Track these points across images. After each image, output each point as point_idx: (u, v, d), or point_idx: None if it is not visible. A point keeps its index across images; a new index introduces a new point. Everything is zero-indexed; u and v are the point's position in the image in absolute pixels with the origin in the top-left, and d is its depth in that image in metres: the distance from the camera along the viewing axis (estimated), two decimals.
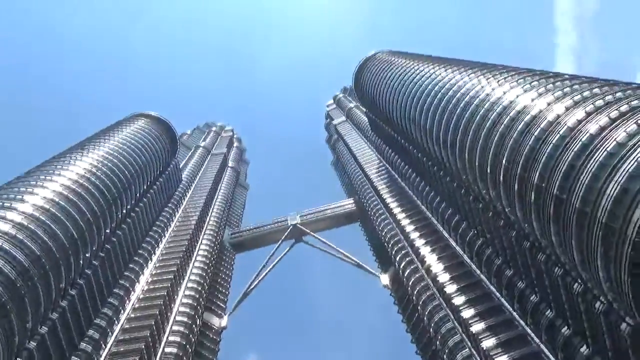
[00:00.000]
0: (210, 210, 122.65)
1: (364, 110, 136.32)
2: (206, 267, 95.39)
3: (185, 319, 77.77)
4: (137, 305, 76.22)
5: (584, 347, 42.18)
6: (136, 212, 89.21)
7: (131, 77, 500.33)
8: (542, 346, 48.30)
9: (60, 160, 76.60)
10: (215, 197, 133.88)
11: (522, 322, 52.39)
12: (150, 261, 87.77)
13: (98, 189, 73.00)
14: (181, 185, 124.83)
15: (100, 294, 68.62)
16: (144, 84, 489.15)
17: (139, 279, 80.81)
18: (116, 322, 69.91)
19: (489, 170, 51.07)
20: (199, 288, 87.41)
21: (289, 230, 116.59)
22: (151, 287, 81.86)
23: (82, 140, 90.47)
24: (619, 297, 33.47)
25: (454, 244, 71.82)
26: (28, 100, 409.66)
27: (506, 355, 50.06)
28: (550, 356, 46.67)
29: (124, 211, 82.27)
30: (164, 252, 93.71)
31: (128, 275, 78.59)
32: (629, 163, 33.53)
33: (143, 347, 65.34)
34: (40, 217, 58.82)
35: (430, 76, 75.77)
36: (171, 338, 72.98)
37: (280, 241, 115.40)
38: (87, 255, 65.64)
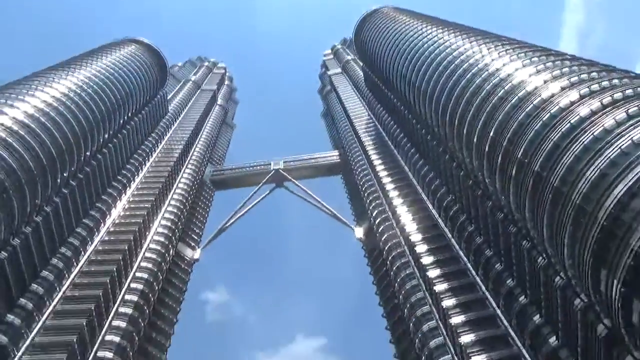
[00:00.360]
0: (194, 145, 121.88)
1: (361, 64, 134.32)
2: (184, 200, 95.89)
3: (158, 247, 78.80)
4: (112, 229, 76.75)
5: (537, 316, 44.59)
6: (119, 138, 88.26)
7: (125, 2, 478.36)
8: (498, 311, 50.70)
9: (43, 77, 74.47)
10: (201, 132, 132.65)
11: (483, 287, 54.63)
12: (128, 188, 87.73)
13: (81, 109, 71.64)
14: (167, 117, 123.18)
15: (75, 214, 68.73)
16: (138, 11, 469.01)
17: (115, 204, 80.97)
18: (90, 243, 70.52)
19: (475, 140, 51.63)
20: (175, 219, 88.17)
21: (270, 175, 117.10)
22: (128, 213, 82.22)
23: (68, 59, 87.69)
24: (578, 275, 35.10)
25: (430, 206, 73.32)
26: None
27: (463, 315, 52.37)
28: (505, 321, 49.10)
29: (107, 136, 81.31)
30: (143, 180, 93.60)
31: (105, 200, 78.59)
32: (612, 149, 34.28)
33: (114, 269, 66.24)
34: (19, 131, 57.86)
35: (432, 38, 74.72)
36: (143, 264, 74.10)
37: (261, 184, 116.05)
38: (64, 174, 65.20)
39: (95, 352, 56.60)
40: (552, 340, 42.01)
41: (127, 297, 66.99)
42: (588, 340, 36.53)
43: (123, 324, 62.05)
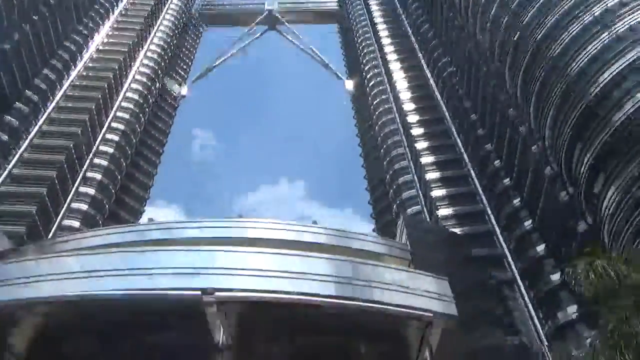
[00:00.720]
0: None
1: None
2: (171, 33, 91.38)
3: (144, 79, 77.46)
4: (95, 56, 74.14)
5: (507, 180, 47.72)
6: None
7: None
8: (472, 171, 53.70)
9: None
10: None
11: (462, 148, 56.82)
12: (112, 13, 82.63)
13: None
14: None
15: (56, 35, 65.50)
16: None
17: (98, 30, 77.07)
18: (73, 67, 68.73)
19: (480, 9, 49.67)
20: (161, 51, 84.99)
21: (264, 15, 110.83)
22: (111, 40, 78.65)
23: None
24: (555, 146, 36.99)
25: (424, 65, 72.18)
26: None
27: (438, 172, 55.44)
28: (476, 181, 52.30)
29: None
30: (128, 7, 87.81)
31: (87, 23, 74.42)
32: (609, 33, 34.01)
33: (99, 96, 65.79)
34: None
35: None
36: (128, 94, 73.46)
37: (253, 25, 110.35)
38: None
39: (85, 172, 59.27)
40: (516, 201, 45.56)
41: (113, 124, 67.71)
42: (549, 205, 39.78)
43: (110, 150, 63.98)
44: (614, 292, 13.75)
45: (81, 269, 16.96)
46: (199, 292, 15.37)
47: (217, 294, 15.39)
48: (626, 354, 12.49)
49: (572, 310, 36.75)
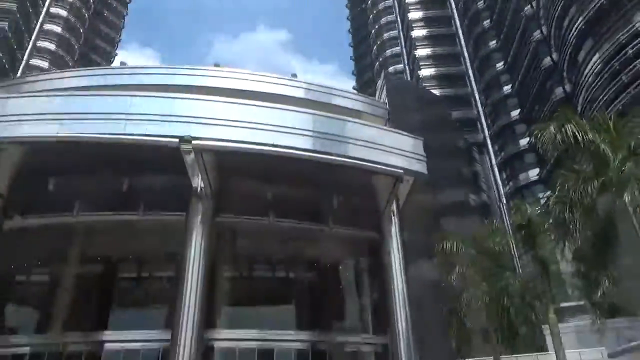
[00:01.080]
0: None
1: None
2: None
3: None
4: None
5: (494, 42, 46.39)
6: None
7: None
8: (460, 30, 51.79)
9: None
10: None
11: (453, 4, 53.96)
12: None
13: None
14: None
15: None
16: None
17: None
18: None
19: None
20: None
21: None
22: None
23: None
24: (548, 8, 35.49)
25: None
26: None
27: (421, 12, 53.84)
28: (463, 41, 50.76)
29: None
30: None
31: None
32: None
33: None
34: None
35: None
36: None
37: None
38: None
39: (48, 7, 55.13)
40: (499, 65, 44.93)
41: None
42: (531, 70, 39.48)
43: None
44: (576, 156, 14.33)
45: (55, 110, 16.55)
46: (177, 140, 15.42)
47: (194, 142, 15.47)
48: (574, 211, 13.50)
49: (533, 173, 38.96)
